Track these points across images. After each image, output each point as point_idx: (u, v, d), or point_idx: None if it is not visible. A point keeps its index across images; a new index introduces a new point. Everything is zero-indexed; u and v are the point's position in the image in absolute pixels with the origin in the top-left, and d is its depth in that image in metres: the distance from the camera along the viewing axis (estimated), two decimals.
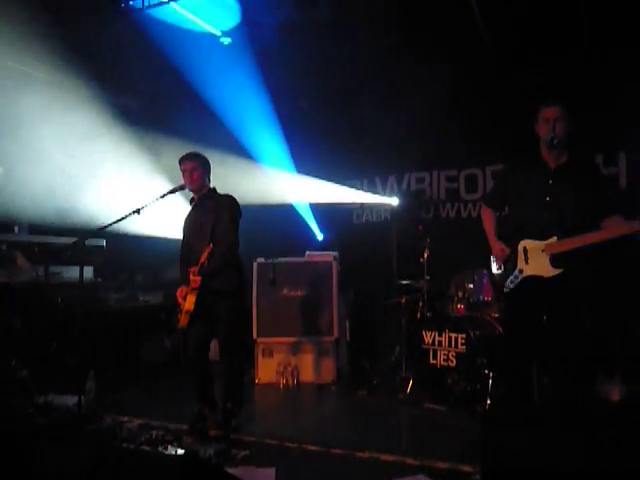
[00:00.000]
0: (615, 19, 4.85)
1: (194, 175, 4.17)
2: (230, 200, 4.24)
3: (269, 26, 5.02)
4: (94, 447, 3.79)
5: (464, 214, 6.44)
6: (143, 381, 5.69)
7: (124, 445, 3.75)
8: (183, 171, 4.20)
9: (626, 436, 2.54)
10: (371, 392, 5.34)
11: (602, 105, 5.27)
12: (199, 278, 3.95)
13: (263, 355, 5.88)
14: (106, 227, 4.07)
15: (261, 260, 6.00)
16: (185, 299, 4.03)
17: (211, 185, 4.33)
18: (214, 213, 4.14)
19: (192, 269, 3.98)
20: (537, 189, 3.57)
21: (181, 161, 4.22)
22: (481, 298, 5.09)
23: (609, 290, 4.86)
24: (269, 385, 5.75)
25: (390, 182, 6.94)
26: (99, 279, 6.17)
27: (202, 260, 3.92)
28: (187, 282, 4.08)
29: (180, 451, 3.64)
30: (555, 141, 3.45)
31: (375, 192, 6.96)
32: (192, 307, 3.99)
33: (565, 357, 3.51)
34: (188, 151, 4.28)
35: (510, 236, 3.71)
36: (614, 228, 3.31)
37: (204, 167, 4.24)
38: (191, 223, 4.31)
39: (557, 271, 3.45)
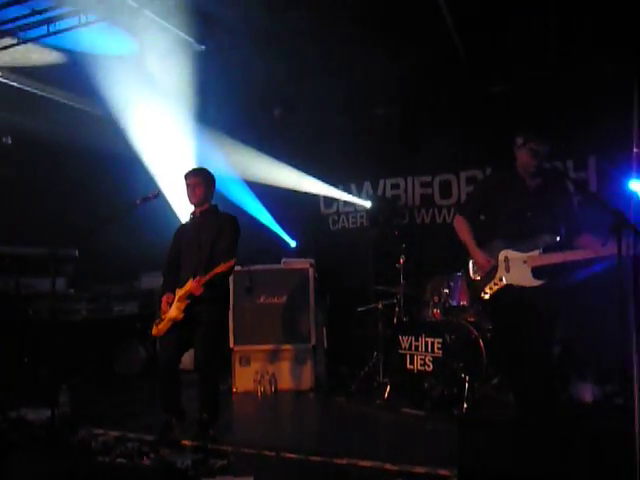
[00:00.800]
0: (583, 29, 4.96)
1: (196, 190, 4.24)
2: (233, 220, 4.30)
3: (240, 33, 5.01)
4: (68, 461, 3.76)
5: (439, 219, 6.48)
6: (119, 392, 5.63)
7: (99, 459, 3.69)
8: (187, 185, 4.27)
9: (600, 439, 2.58)
10: (349, 398, 5.34)
11: (572, 111, 5.37)
12: (202, 289, 3.94)
13: (240, 363, 5.84)
14: (80, 237, 4.03)
15: (237, 267, 5.95)
16: (171, 306, 4.01)
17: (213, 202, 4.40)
18: (215, 230, 4.18)
19: (198, 278, 3.95)
20: (518, 205, 3.78)
21: (186, 176, 4.29)
22: (456, 303, 5.13)
23: (582, 295, 4.95)
24: (247, 394, 5.71)
25: (365, 188, 6.96)
26: (72, 290, 6.07)
27: (219, 271, 3.89)
28: (172, 290, 4.10)
29: (157, 463, 3.59)
30: (536, 172, 3.72)
31: None
32: (181, 315, 3.98)
33: (540, 359, 3.67)
34: (195, 167, 4.41)
35: (489, 244, 3.87)
36: (594, 250, 3.47)
37: (207, 183, 4.30)
38: (188, 235, 4.33)
39: (538, 282, 3.62)
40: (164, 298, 4.12)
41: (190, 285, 3.97)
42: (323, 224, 7.15)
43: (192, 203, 4.31)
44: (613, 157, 5.26)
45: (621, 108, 5.08)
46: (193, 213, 4.39)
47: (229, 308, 4.46)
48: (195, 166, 4.63)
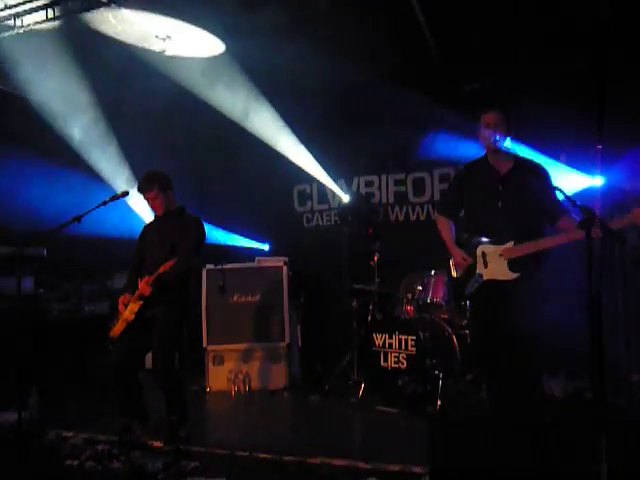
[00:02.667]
0: (551, 29, 5.04)
1: (156, 203, 4.16)
2: (198, 223, 4.20)
3: (214, 30, 4.96)
4: (36, 465, 3.68)
5: (413, 217, 6.50)
6: (89, 394, 5.53)
7: (68, 462, 3.62)
8: (146, 199, 4.19)
9: (571, 435, 2.60)
10: (323, 397, 5.33)
11: (543, 109, 5.41)
12: (150, 289, 3.87)
13: (214, 363, 5.78)
14: (46, 235, 3.94)
15: (210, 266, 5.92)
16: (127, 307, 3.95)
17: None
18: (179, 231, 4.08)
19: (146, 278, 3.89)
20: (489, 195, 3.66)
21: (141, 191, 4.18)
22: (430, 300, 5.14)
23: (556, 289, 5.00)
24: (220, 393, 5.66)
25: (340, 185, 6.93)
26: (41, 289, 5.94)
27: (161, 271, 3.83)
28: (132, 290, 4.02)
29: (127, 465, 3.54)
30: (497, 144, 3.54)
31: (325, 196, 6.97)
32: (132, 316, 3.92)
33: (517, 355, 3.58)
34: (143, 179, 4.22)
35: (466, 241, 3.78)
36: (567, 235, 3.40)
37: (164, 191, 4.16)
38: (152, 236, 4.24)
39: (515, 275, 3.53)
40: (120, 299, 4.06)
41: (139, 286, 3.91)
42: (297, 222, 7.12)
43: (158, 215, 4.23)
44: (583, 153, 5.34)
45: (590, 105, 5.18)
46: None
47: (189, 309, 4.32)
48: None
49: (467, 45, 5.38)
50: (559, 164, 5.32)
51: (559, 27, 4.92)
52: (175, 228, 4.12)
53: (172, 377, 4.08)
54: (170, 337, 4.07)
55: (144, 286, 3.88)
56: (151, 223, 4.39)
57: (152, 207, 4.21)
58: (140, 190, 4.18)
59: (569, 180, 5.30)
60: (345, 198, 6.65)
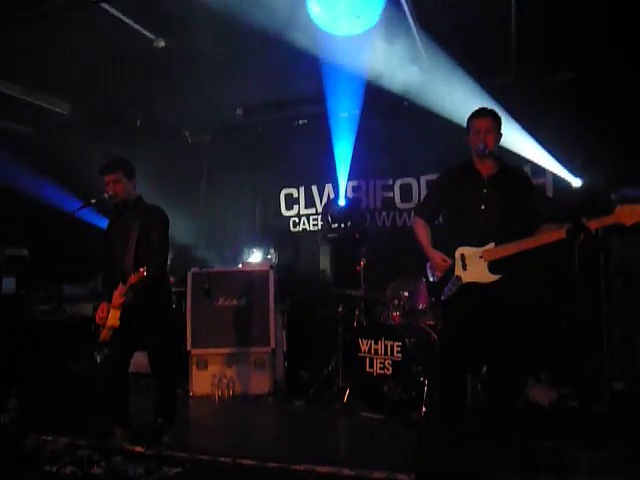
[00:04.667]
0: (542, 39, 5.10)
1: (117, 187, 3.97)
2: (160, 214, 4.06)
3: (200, 29, 4.93)
4: (14, 471, 3.61)
5: (399, 222, 6.50)
6: (70, 397, 5.44)
7: (46, 467, 3.55)
8: (106, 183, 3.98)
9: (556, 444, 2.60)
10: (308, 403, 5.29)
11: (531, 119, 5.46)
12: (124, 298, 3.80)
13: (197, 367, 5.72)
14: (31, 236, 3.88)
15: (195, 269, 5.86)
16: (108, 314, 3.88)
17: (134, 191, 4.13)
18: (140, 225, 3.95)
19: (119, 289, 3.80)
20: (472, 198, 3.61)
21: (102, 173, 3.98)
22: (416, 306, 5.15)
23: (539, 295, 5.01)
24: (204, 398, 5.60)
25: (327, 190, 6.93)
26: (22, 290, 5.86)
27: (132, 281, 3.74)
28: (109, 297, 3.90)
29: (107, 471, 3.48)
30: (487, 151, 3.52)
31: (312, 200, 6.95)
32: (117, 323, 3.84)
33: (502, 362, 3.54)
34: (108, 161, 4.06)
35: (446, 244, 3.70)
36: (548, 234, 3.35)
37: (128, 176, 4.03)
38: (115, 233, 4.10)
39: (495, 277, 3.46)
40: (99, 310, 3.94)
41: (114, 298, 3.83)
42: (284, 226, 7.09)
43: (116, 201, 4.02)
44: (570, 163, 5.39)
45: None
46: (115, 205, 4.10)
47: (168, 311, 4.25)
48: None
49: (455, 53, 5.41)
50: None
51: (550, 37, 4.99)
52: (136, 221, 3.96)
53: (170, 380, 4.08)
54: (165, 341, 4.06)
55: (118, 297, 3.80)
56: (112, 221, 4.21)
57: (113, 191, 3.96)
58: (103, 171, 3.97)
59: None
60: (332, 203, 6.64)
